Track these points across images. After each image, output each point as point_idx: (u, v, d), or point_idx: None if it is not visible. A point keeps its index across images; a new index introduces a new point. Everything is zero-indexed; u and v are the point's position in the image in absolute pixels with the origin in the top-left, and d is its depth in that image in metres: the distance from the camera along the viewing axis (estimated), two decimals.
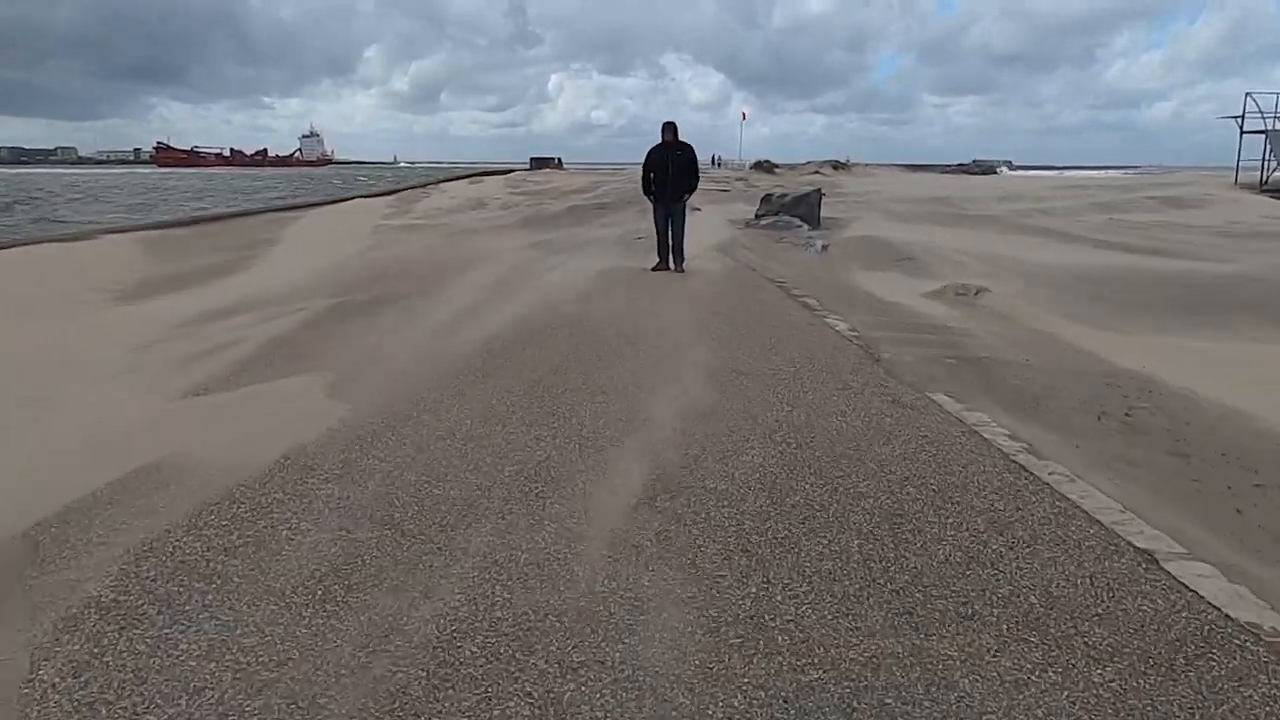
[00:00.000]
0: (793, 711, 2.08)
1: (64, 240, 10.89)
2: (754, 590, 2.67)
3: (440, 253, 12.25)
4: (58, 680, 2.16)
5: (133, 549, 2.90)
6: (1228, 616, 2.51)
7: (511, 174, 49.42)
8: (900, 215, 19.58)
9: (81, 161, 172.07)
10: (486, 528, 3.10)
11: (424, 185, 29.96)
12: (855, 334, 6.78)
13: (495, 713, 2.06)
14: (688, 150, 10.27)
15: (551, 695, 2.12)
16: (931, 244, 13.33)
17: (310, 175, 73.36)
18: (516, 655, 2.30)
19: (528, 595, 2.62)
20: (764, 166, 54.29)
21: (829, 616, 2.51)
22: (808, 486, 3.53)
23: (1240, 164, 28.08)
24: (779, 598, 2.62)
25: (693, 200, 10.57)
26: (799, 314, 7.58)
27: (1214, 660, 2.30)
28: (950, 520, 3.20)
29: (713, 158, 57.57)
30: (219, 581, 2.68)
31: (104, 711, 2.04)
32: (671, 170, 10.05)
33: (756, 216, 17.23)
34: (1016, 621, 2.49)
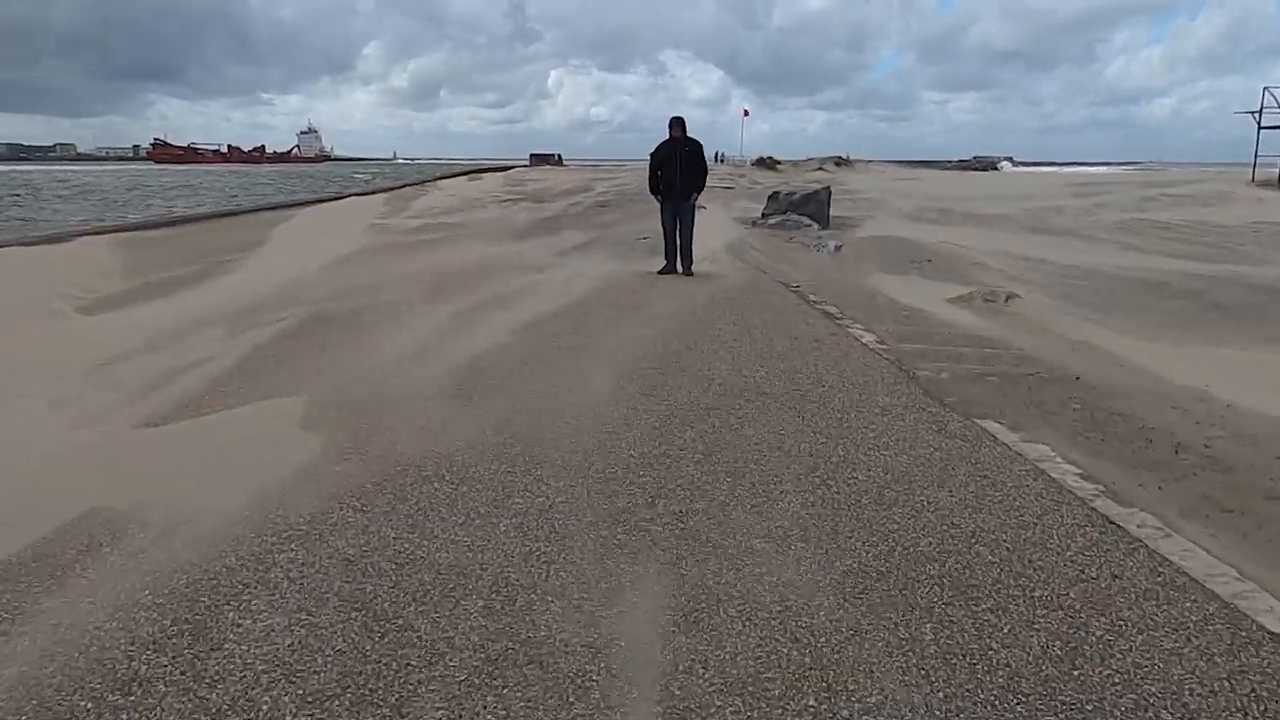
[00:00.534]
0: None
1: (36, 243, 10.31)
2: (811, 703, 2.12)
3: (433, 256, 11.70)
4: None
5: (38, 642, 2.35)
6: None
7: (510, 171, 48.80)
8: (911, 214, 19.03)
9: (80, 158, 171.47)
10: (478, 606, 2.56)
11: (420, 183, 29.36)
12: (883, 346, 6.23)
13: None
14: (696, 146, 9.71)
15: None
16: (948, 244, 12.78)
17: (306, 173, 72.70)
18: None
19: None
20: (767, 163, 53.72)
21: None
22: (859, 546, 2.99)
23: (1258, 160, 27.48)
24: None
25: (697, 198, 9.99)
26: (819, 323, 7.03)
27: None
28: (1038, 594, 2.65)
29: (717, 155, 56.94)
30: (140, 692, 2.13)
31: None
32: (680, 167, 9.49)
33: (764, 215, 16.66)
34: None
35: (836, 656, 2.31)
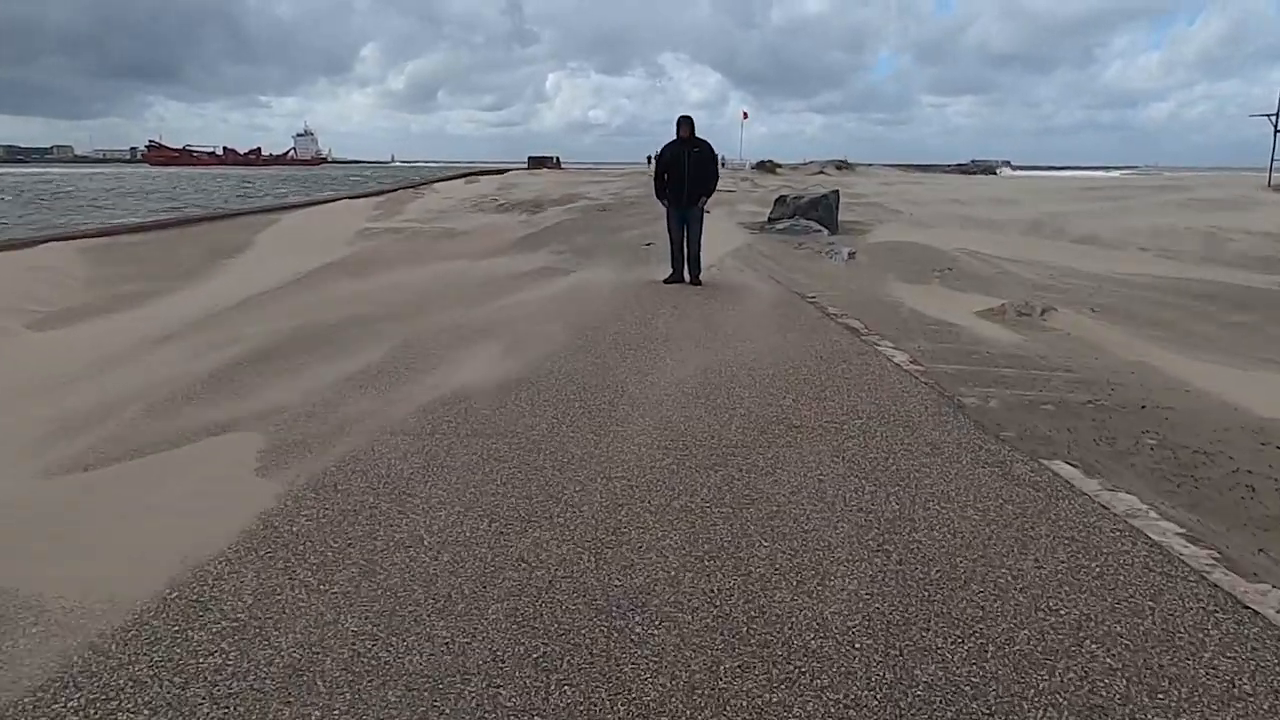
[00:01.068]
0: None
1: None
2: None
3: (422, 264, 11.09)
4: None
5: None
6: None
7: (505, 174, 48.18)
8: (921, 218, 18.45)
9: (78, 160, 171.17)
10: None
11: (416, 186, 28.71)
12: (918, 368, 5.62)
13: None
14: (705, 147, 9.09)
15: None
16: (967, 251, 12.18)
17: (295, 175, 71.98)
18: None
19: None
20: (767, 167, 53.28)
21: None
22: (940, 643, 2.37)
23: (1275, 164, 26.91)
24: None
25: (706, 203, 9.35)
26: (844, 340, 6.42)
27: None
28: None
29: (719, 158, 56.44)
30: None
31: None
32: (689, 169, 8.87)
33: (770, 220, 16.08)
34: None
35: None
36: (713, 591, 2.64)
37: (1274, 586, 2.76)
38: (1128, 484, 3.65)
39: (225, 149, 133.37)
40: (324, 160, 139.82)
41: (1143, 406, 4.84)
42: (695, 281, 9.13)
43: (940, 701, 2.11)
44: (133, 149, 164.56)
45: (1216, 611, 2.56)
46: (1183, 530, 3.16)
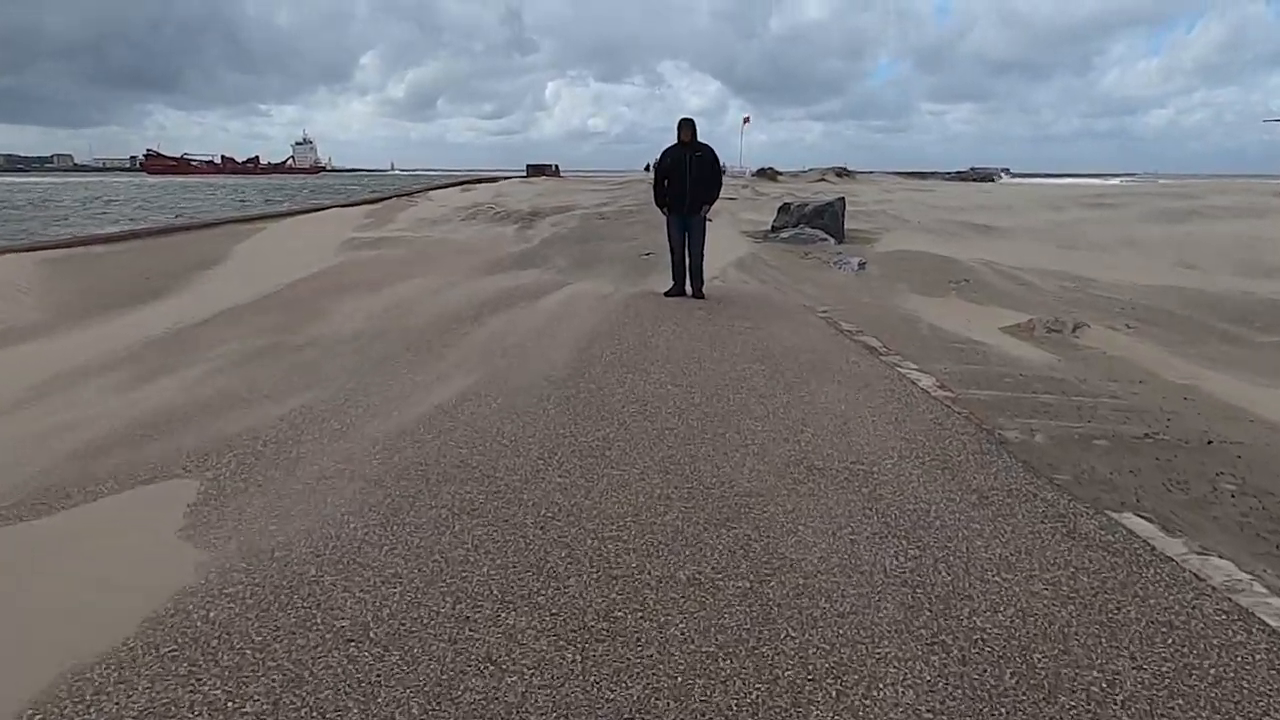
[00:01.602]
0: None
1: None
2: None
3: (406, 277, 10.53)
4: None
5: None
6: None
7: (503, 182, 47.70)
8: (927, 226, 17.91)
9: (77, 169, 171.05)
10: None
11: (410, 194, 28.17)
12: (948, 394, 5.06)
13: None
14: (708, 152, 8.51)
15: None
16: (982, 261, 11.63)
17: (282, 185, 71.47)
18: None
19: None
20: (768, 174, 52.85)
21: None
22: None
23: None
24: None
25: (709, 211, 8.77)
26: (864, 361, 5.85)
27: None
28: None
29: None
30: None
31: None
32: (691, 175, 8.31)
33: (774, 228, 15.52)
34: None
35: None
36: (731, 709, 2.07)
37: None
38: (1216, 543, 3.09)
39: (223, 157, 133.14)
40: (323, 168, 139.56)
41: (1209, 442, 4.27)
42: (698, 294, 8.56)
43: None
44: (132, 157, 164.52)
45: None
46: None
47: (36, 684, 2.12)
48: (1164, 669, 2.26)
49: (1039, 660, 2.29)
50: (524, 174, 67.47)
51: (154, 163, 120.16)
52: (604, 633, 2.40)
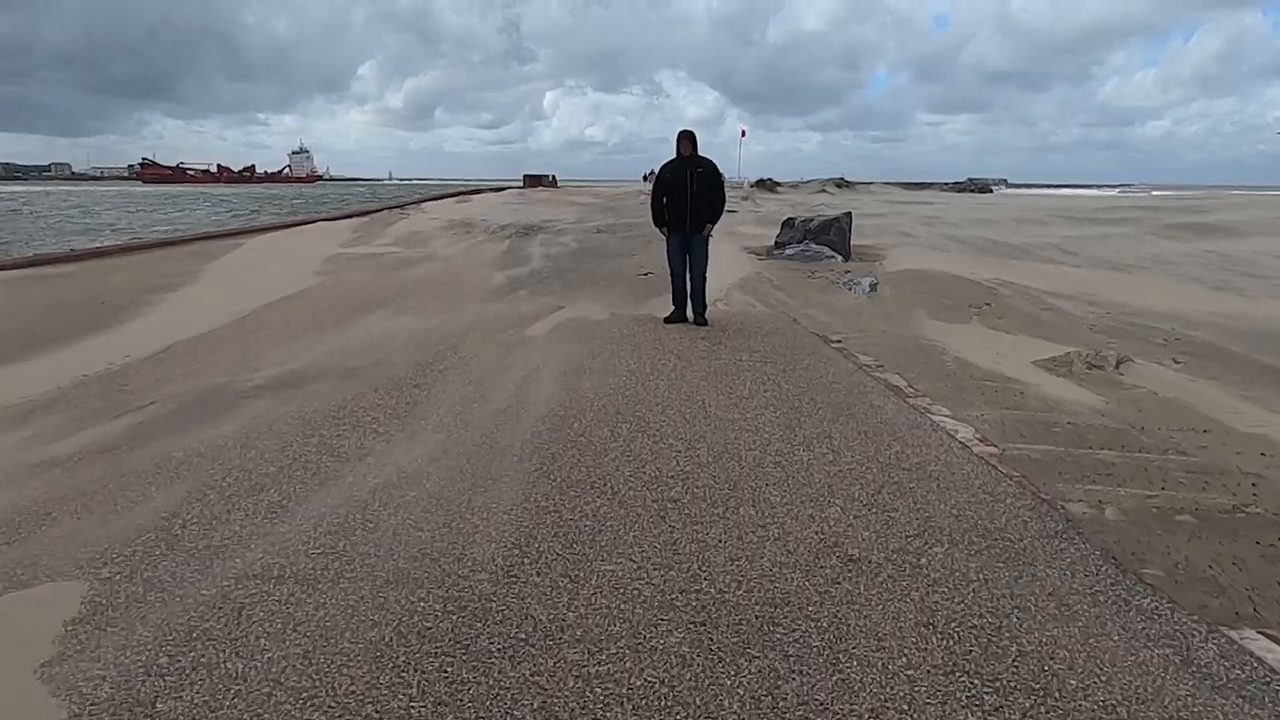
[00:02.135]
0: None
1: None
2: None
3: (386, 302, 9.85)
4: None
5: None
6: None
7: (500, 193, 47.09)
8: (936, 242, 17.27)
9: (75, 177, 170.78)
10: None
11: (403, 206, 27.50)
12: (992, 450, 4.39)
13: None
14: (710, 166, 7.85)
15: None
16: (1001, 281, 10.98)
17: (278, 194, 70.87)
18: None
19: None
20: (767, 185, 52.39)
21: None
22: None
23: None
24: None
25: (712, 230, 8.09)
26: (889, 405, 5.17)
27: None
28: None
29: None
30: None
31: None
32: (692, 190, 7.65)
33: (778, 244, 14.87)
34: None
35: None
36: None
37: None
38: None
39: (219, 166, 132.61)
40: (319, 178, 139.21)
41: None
42: (700, 320, 7.90)
43: None
44: (130, 166, 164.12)
45: None
46: None
47: None
48: None
49: None
50: (521, 184, 66.95)
51: (149, 171, 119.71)
52: None
